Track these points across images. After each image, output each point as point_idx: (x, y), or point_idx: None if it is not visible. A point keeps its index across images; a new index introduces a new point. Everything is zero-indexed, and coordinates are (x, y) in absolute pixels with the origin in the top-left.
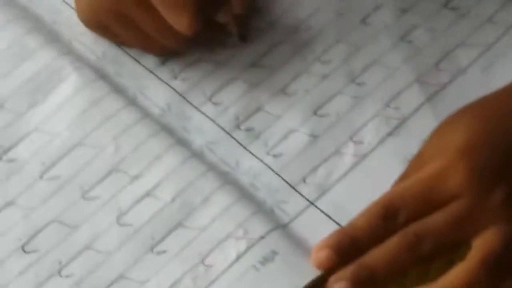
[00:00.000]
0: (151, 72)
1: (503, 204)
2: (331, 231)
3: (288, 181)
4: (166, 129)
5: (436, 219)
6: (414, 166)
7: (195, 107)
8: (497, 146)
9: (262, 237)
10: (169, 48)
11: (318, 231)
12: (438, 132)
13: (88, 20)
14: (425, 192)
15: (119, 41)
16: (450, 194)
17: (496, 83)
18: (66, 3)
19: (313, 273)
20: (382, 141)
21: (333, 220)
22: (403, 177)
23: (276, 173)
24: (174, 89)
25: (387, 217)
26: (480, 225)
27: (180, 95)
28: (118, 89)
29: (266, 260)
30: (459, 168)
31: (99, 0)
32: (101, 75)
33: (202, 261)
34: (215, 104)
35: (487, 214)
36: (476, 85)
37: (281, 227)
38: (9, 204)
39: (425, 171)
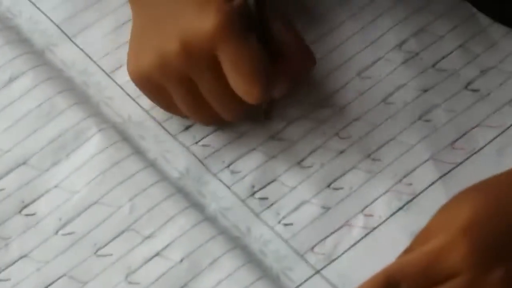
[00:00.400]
0: (174, 137)
1: (502, 283)
2: None
3: (296, 249)
4: (182, 192)
5: None
6: (418, 240)
7: (213, 174)
8: (500, 226)
9: None
10: (220, 119)
11: None
12: (445, 209)
13: (141, 77)
14: (425, 267)
15: (166, 104)
16: (451, 271)
17: (510, 164)
18: (99, 66)
19: None
20: (392, 215)
21: None
22: (408, 251)
23: (285, 241)
24: (194, 155)
25: None
26: None
27: (200, 160)
28: (139, 151)
29: None
30: (460, 245)
31: (166, 58)
32: (125, 137)
33: None
34: (232, 172)
35: None
36: (490, 165)
37: None
38: (23, 256)
39: (427, 246)
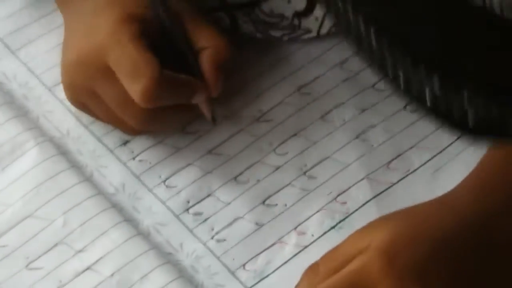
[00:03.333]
0: (111, 152)
1: None
2: None
3: (228, 266)
4: (117, 207)
5: None
6: (326, 261)
7: (148, 189)
8: (417, 249)
9: None
10: (135, 129)
11: None
12: (360, 232)
13: (69, 97)
14: None
15: (96, 118)
16: None
17: (443, 185)
18: (40, 80)
19: None
20: (324, 234)
21: None
22: (313, 268)
23: (217, 258)
24: (130, 170)
25: None
26: None
27: (136, 176)
28: (76, 166)
29: None
30: (378, 268)
31: (74, 78)
32: (62, 151)
33: None
34: (168, 187)
35: None
36: (424, 185)
37: None
38: None
39: (347, 269)
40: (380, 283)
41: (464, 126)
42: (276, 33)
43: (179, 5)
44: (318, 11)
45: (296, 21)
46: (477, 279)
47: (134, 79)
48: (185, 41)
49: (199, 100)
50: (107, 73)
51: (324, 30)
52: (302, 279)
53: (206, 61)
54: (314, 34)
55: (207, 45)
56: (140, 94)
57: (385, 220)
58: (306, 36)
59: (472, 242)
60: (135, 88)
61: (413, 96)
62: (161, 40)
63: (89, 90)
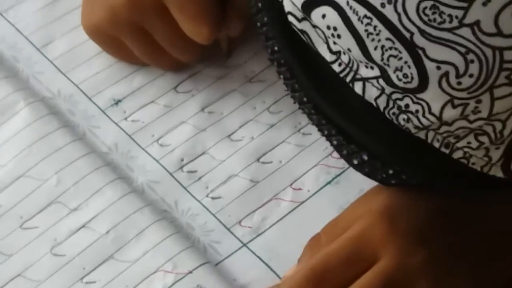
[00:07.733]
0: (103, 112)
1: (426, 264)
2: (260, 272)
3: (224, 223)
4: (110, 166)
5: (362, 283)
6: (327, 231)
7: (142, 148)
8: (416, 214)
9: (190, 272)
10: (178, 62)
11: (247, 271)
12: (358, 201)
13: (95, 29)
14: (349, 254)
15: (123, 55)
16: (374, 256)
17: None
18: (29, 41)
19: None
20: (321, 189)
21: (263, 262)
22: (315, 239)
23: (213, 215)
24: (123, 130)
25: (316, 282)
26: (405, 286)
27: (129, 135)
28: (68, 125)
29: None
30: (380, 228)
31: (116, 11)
32: (53, 111)
33: None
34: (161, 145)
35: (411, 274)
36: None
37: (211, 264)
38: None
39: (347, 233)
40: (383, 246)
41: None
42: None
43: None
44: None
45: None
46: (469, 251)
47: (197, 22)
48: None
49: (220, 34)
50: (161, 10)
51: None
52: (304, 251)
53: (234, 5)
54: None
55: None
56: (204, 37)
57: (382, 188)
58: None
59: (461, 213)
60: (199, 31)
61: None
62: None
63: (135, 26)
